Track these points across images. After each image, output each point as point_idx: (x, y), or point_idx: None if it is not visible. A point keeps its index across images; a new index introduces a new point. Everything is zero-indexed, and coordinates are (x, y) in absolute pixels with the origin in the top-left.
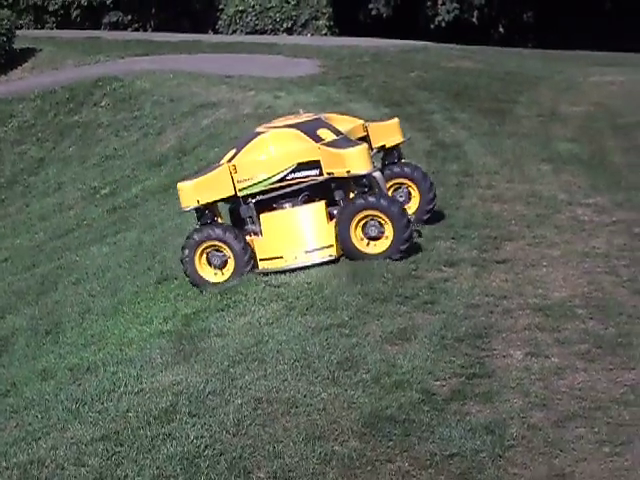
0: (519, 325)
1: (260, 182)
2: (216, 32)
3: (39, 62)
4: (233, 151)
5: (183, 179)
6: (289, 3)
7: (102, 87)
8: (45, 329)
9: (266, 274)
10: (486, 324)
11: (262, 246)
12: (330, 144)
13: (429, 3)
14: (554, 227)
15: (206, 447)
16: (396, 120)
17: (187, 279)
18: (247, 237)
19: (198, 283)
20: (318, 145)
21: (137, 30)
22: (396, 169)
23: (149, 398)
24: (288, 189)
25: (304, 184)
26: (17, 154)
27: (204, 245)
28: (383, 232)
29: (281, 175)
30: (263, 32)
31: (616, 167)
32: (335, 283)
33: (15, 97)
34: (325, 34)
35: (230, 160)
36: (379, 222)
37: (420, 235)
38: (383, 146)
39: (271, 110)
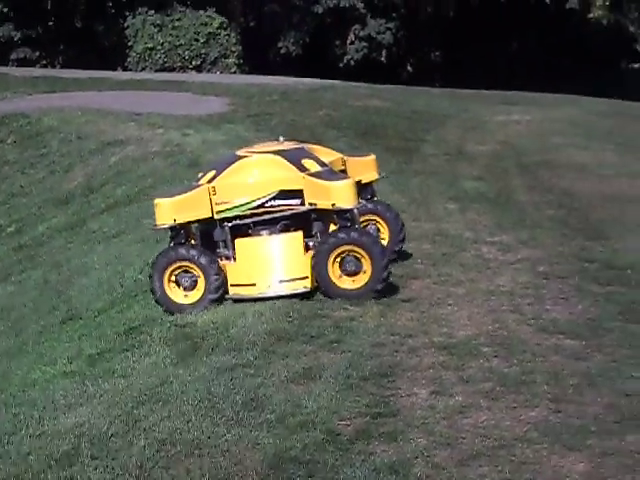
0: (424, 364)
1: (239, 206)
2: (125, 69)
3: None
4: (213, 172)
5: (160, 195)
6: (198, 41)
7: (8, 124)
8: None
9: (171, 313)
10: (391, 363)
11: (234, 271)
12: (315, 175)
13: (338, 42)
14: (459, 265)
15: None
16: (373, 156)
17: (152, 297)
18: (219, 261)
19: (163, 303)
20: (303, 175)
21: (45, 67)
22: (369, 206)
23: (51, 441)
24: (266, 216)
25: (283, 213)
26: None
27: (175, 265)
28: (360, 268)
29: (261, 201)
30: (172, 69)
31: (521, 205)
32: (241, 322)
33: None
34: (234, 72)
35: (210, 181)
36: (357, 258)
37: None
38: (359, 181)
39: (179, 148)
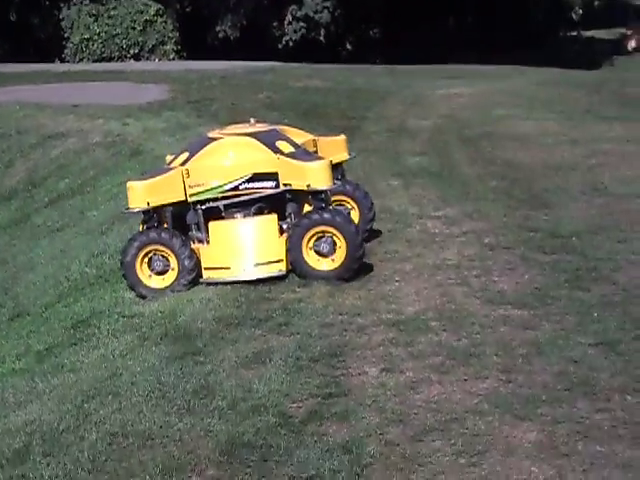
0: (373, 342)
1: (212, 189)
2: (63, 61)
3: None
4: (185, 155)
5: (133, 179)
6: (135, 29)
7: None
8: None
9: (119, 304)
10: (340, 343)
11: (208, 254)
12: (290, 155)
13: (276, 23)
14: (405, 241)
15: None
16: (343, 137)
17: (125, 282)
18: (191, 244)
19: (136, 287)
20: (277, 156)
21: None
22: (339, 187)
23: (1, 439)
24: (240, 199)
25: (257, 195)
26: None
27: (147, 248)
28: (335, 250)
29: (235, 184)
30: (110, 59)
31: (465, 178)
32: (189, 310)
33: None
34: (173, 59)
35: (183, 164)
36: (332, 239)
37: None
38: (330, 162)
39: (120, 138)
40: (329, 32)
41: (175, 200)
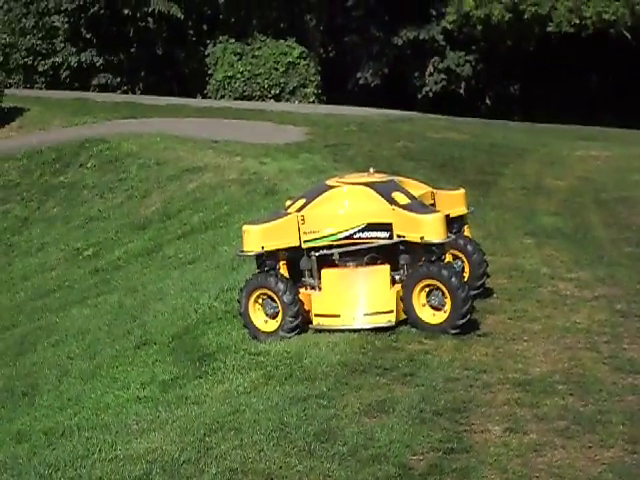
0: (498, 400)
1: (326, 237)
2: (204, 97)
3: (27, 122)
4: (302, 201)
5: (249, 222)
6: (277, 70)
7: (89, 148)
8: (22, 390)
9: (246, 342)
10: (465, 398)
11: (320, 301)
12: (405, 207)
13: (417, 74)
14: (536, 301)
15: None
16: (462, 191)
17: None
18: (303, 290)
19: (249, 328)
20: (392, 207)
21: (126, 93)
22: (451, 241)
23: (123, 465)
24: (354, 247)
25: (371, 244)
26: (1, 213)
27: (257, 292)
28: (444, 304)
29: (349, 232)
30: (251, 98)
31: (599, 242)
32: (315, 353)
33: (1, 156)
34: (313, 102)
35: (299, 210)
36: (442, 293)
37: None
38: (447, 215)
39: (256, 176)
40: (469, 85)
41: (289, 245)
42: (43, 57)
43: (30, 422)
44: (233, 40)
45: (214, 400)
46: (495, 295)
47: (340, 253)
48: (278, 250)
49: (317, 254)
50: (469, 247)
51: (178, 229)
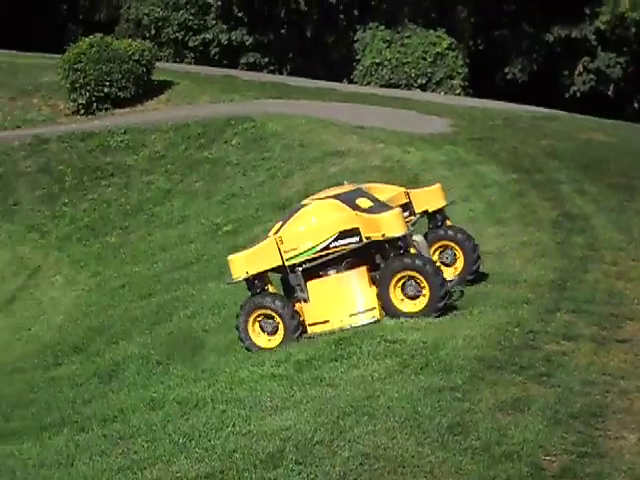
0: (635, 407)
1: (305, 251)
2: (351, 82)
3: (175, 95)
4: (279, 224)
5: (234, 252)
6: (425, 60)
7: (234, 126)
8: (156, 359)
9: (382, 328)
10: (601, 403)
11: (310, 311)
12: (367, 210)
13: (566, 72)
14: None
15: None
16: (438, 185)
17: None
18: (297, 304)
19: (251, 349)
20: (356, 212)
21: (273, 73)
22: (440, 232)
23: (256, 441)
24: (332, 256)
25: (346, 250)
26: (145, 183)
27: (256, 313)
28: (421, 291)
29: (325, 244)
30: (397, 86)
31: None
32: (451, 345)
33: (148, 127)
34: (459, 94)
35: (276, 232)
36: (416, 282)
37: (462, 295)
38: (426, 211)
39: (399, 164)
40: (618, 88)
41: (273, 266)
42: (194, 33)
43: (164, 391)
44: (383, 27)
45: (348, 384)
46: (636, 301)
47: (321, 263)
48: (264, 272)
49: (301, 269)
50: (459, 235)
51: None
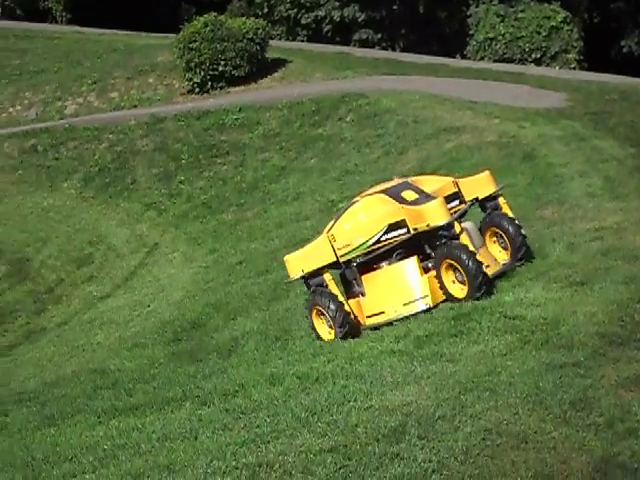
0: None
1: (358, 247)
2: (463, 57)
3: (289, 73)
4: (332, 222)
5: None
6: (540, 34)
7: (348, 103)
8: (275, 335)
9: (501, 304)
10: None
11: (367, 305)
12: (412, 203)
13: None
14: None
15: (433, 471)
16: (487, 172)
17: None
18: (356, 299)
19: (319, 338)
20: (402, 205)
21: (385, 49)
22: (487, 219)
23: (378, 416)
24: (383, 249)
25: (396, 242)
26: (260, 161)
27: (315, 309)
28: (463, 278)
29: (375, 238)
30: (511, 61)
31: None
32: (572, 321)
33: (263, 105)
34: (574, 68)
35: (329, 230)
36: (457, 270)
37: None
38: (476, 198)
39: (514, 140)
40: None
41: (327, 262)
42: (307, 10)
43: (283, 366)
44: (496, 1)
45: (469, 359)
46: None
47: (373, 257)
48: (319, 269)
49: (356, 264)
50: (503, 221)
51: None
